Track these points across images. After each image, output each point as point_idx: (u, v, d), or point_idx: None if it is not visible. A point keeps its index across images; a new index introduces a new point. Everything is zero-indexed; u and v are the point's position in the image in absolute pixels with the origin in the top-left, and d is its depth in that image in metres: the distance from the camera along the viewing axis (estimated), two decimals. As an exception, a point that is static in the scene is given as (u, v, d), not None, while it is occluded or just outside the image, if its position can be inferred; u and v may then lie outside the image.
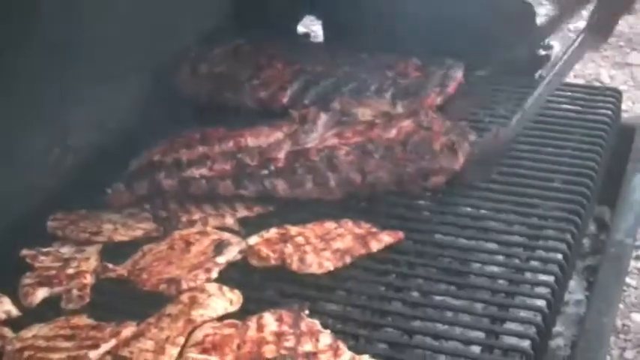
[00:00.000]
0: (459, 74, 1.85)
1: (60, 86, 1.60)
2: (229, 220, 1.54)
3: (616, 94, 1.93)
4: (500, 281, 1.43)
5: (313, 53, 2.01)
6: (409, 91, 1.81)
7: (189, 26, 2.01)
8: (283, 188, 1.58)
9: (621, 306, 2.12)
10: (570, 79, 3.46)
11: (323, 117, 1.69)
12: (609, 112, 1.86)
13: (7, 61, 1.45)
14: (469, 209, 1.60)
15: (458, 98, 1.85)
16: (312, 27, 2.50)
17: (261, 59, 1.95)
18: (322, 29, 2.23)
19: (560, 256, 1.46)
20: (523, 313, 1.38)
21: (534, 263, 1.46)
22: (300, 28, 2.35)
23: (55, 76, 1.58)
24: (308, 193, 1.58)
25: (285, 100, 1.83)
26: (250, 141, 1.65)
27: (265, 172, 1.59)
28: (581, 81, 3.51)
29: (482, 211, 1.59)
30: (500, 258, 1.49)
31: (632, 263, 2.27)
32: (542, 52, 2.02)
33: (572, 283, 1.76)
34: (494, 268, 1.46)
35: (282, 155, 1.61)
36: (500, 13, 1.95)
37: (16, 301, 1.39)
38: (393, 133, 1.59)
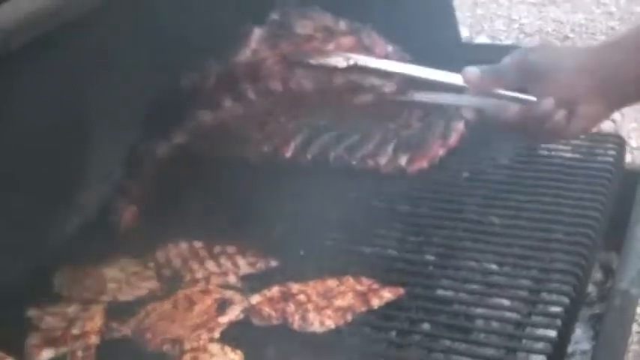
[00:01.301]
0: (460, 125, 1.86)
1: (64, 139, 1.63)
2: (232, 278, 1.55)
3: (619, 141, 1.94)
4: (503, 337, 1.44)
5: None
6: (411, 143, 1.82)
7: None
8: (207, 117, 1.55)
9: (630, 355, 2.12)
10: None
11: (257, 32, 1.60)
12: (612, 160, 1.86)
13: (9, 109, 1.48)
14: (472, 263, 1.60)
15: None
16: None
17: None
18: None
19: (562, 310, 1.47)
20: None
21: (536, 318, 1.47)
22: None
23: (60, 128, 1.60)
24: (230, 112, 1.53)
25: (288, 154, 1.84)
26: None
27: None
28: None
29: (484, 265, 1.60)
30: (503, 313, 1.49)
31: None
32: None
33: (579, 332, 1.76)
34: (497, 324, 1.46)
35: (212, 81, 1.57)
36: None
37: (21, 362, 1.41)
38: (331, 47, 1.52)
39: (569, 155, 1.88)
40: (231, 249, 1.63)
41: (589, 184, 1.78)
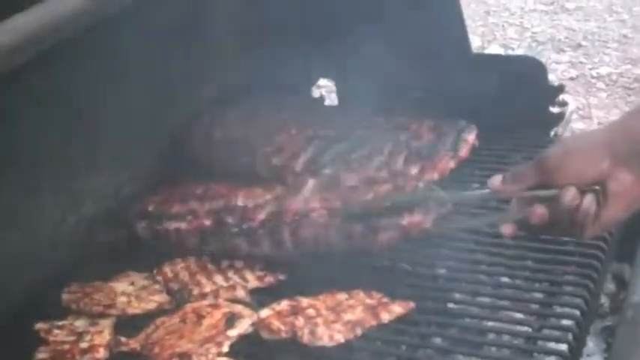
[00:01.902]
0: (471, 137, 1.85)
1: (74, 155, 1.63)
2: (240, 292, 1.54)
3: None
4: (515, 351, 1.43)
5: (327, 117, 2.01)
6: (422, 154, 1.81)
7: (205, 88, 2.03)
8: (243, 247, 1.61)
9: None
10: (595, 127, 3.51)
11: (311, 182, 1.71)
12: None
13: (19, 130, 1.47)
14: (482, 276, 1.59)
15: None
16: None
17: (275, 124, 1.96)
18: (336, 92, 2.25)
19: (573, 323, 1.46)
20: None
21: (548, 332, 1.45)
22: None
23: (69, 145, 1.61)
24: (266, 253, 1.61)
25: (298, 168, 1.83)
26: (241, 200, 1.68)
27: (235, 230, 1.62)
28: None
29: (495, 278, 1.59)
30: (514, 327, 1.48)
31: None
32: (557, 110, 2.02)
33: (591, 345, 1.74)
34: (508, 338, 1.45)
35: (262, 216, 1.63)
36: (511, 73, 1.97)
37: (29, 376, 1.41)
38: (369, 195, 1.60)
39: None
40: (239, 263, 1.62)
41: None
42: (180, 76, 1.89)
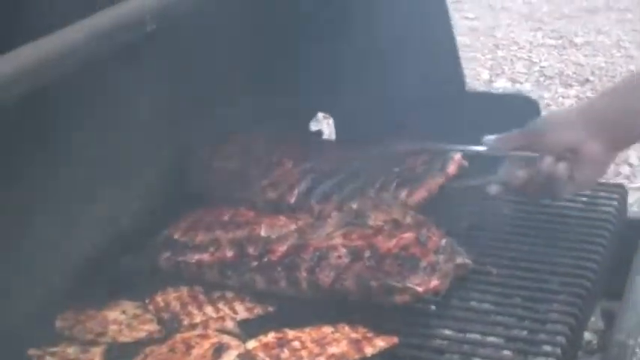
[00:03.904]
0: (457, 156, 1.88)
1: (71, 183, 1.67)
2: (229, 323, 1.57)
3: (620, 190, 1.95)
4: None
5: (324, 151, 2.05)
6: (411, 179, 1.84)
7: (203, 121, 2.07)
8: (260, 283, 1.64)
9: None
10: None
11: (335, 215, 1.75)
12: (613, 210, 1.88)
13: (17, 159, 1.51)
14: (468, 313, 1.62)
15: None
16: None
17: (272, 157, 2.00)
18: (334, 125, 2.29)
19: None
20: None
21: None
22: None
23: (67, 173, 1.64)
24: (283, 291, 1.63)
25: (292, 200, 1.86)
26: (264, 230, 1.72)
27: (255, 263, 1.65)
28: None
29: (481, 315, 1.61)
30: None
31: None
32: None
33: (577, 382, 1.76)
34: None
35: (283, 248, 1.66)
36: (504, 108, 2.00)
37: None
38: (392, 243, 1.63)
39: (571, 205, 1.89)
40: (229, 294, 1.65)
41: (589, 234, 1.79)
42: (181, 107, 1.93)
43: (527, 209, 1.89)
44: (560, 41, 5.14)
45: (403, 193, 1.81)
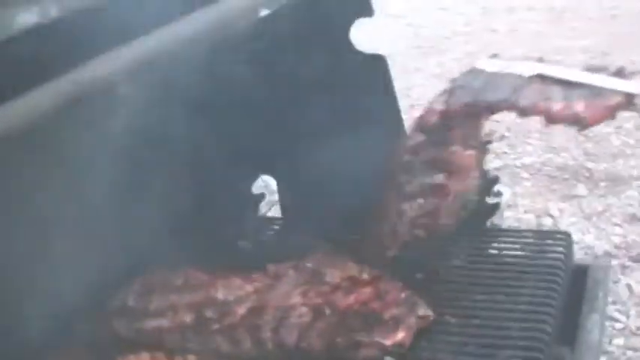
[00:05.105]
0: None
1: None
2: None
3: (566, 237, 2.00)
4: None
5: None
6: None
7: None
8: (223, 345, 1.62)
9: None
10: (521, 215, 3.59)
11: (292, 274, 1.74)
12: (561, 257, 1.91)
13: None
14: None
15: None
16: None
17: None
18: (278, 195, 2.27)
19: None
20: None
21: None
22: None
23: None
24: (247, 352, 1.61)
25: None
26: (221, 292, 1.71)
27: (216, 326, 1.63)
28: (531, 215, 3.59)
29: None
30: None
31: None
32: (492, 200, 2.08)
33: None
34: None
35: (243, 310, 1.64)
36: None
37: None
38: (351, 299, 1.63)
39: (519, 253, 1.93)
40: (192, 357, 1.63)
41: (541, 280, 1.82)
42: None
43: (477, 260, 1.91)
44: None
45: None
